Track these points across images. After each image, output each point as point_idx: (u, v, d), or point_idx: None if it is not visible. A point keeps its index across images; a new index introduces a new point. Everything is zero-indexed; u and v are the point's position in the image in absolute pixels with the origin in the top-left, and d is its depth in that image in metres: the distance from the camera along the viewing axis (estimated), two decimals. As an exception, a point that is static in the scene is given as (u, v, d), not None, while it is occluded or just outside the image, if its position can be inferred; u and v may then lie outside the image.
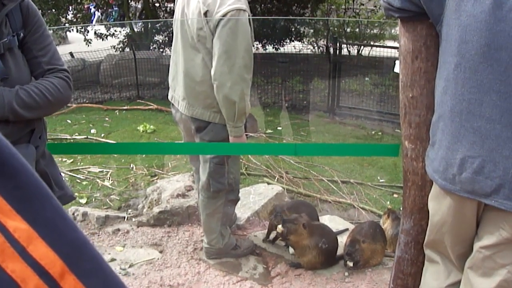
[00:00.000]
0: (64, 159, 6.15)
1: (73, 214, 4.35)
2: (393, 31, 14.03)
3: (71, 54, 11.83)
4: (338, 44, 9.55)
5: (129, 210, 4.58)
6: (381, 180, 5.56)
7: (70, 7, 13.08)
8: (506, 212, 1.72)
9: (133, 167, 5.73)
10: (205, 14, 2.85)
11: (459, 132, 1.77)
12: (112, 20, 16.51)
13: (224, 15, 2.78)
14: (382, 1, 2.04)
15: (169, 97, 3.38)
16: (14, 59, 1.89)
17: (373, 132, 7.79)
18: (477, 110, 1.71)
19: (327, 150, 3.47)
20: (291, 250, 3.56)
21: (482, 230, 1.86)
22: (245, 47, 2.86)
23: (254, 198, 4.51)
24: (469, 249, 1.95)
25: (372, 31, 13.73)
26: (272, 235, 3.77)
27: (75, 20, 13.57)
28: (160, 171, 5.55)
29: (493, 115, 1.68)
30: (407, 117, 2.12)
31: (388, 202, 4.88)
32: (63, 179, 2.19)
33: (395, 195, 5.12)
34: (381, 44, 12.27)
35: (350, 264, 3.29)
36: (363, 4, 14.89)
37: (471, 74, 1.70)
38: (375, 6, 15.07)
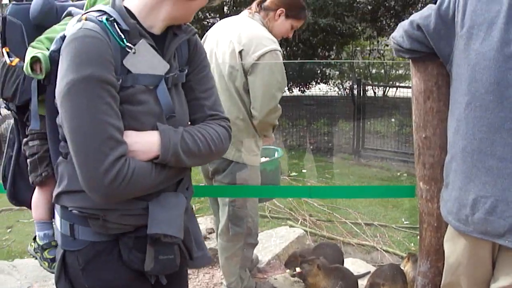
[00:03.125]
0: None
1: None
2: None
3: None
4: (363, 86, 9.58)
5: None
6: (405, 222, 5.51)
7: None
8: None
9: None
10: (240, 53, 3.05)
11: (471, 172, 1.76)
12: None
13: (263, 55, 3.00)
14: (392, 43, 2.06)
15: None
16: (178, 96, 1.80)
17: (398, 174, 7.74)
18: (488, 149, 1.70)
19: (341, 192, 3.46)
20: (310, 293, 3.52)
21: (498, 271, 1.82)
22: (282, 83, 3.11)
23: (275, 241, 4.49)
24: None
25: (397, 72, 13.75)
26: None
27: None
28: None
29: (504, 153, 1.66)
30: (421, 158, 2.11)
31: (412, 244, 4.84)
32: (202, 237, 2.06)
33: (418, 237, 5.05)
34: (407, 85, 12.29)
35: (370, 307, 3.23)
36: (387, 45, 14.98)
37: (481, 112, 1.70)
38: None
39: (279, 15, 3.19)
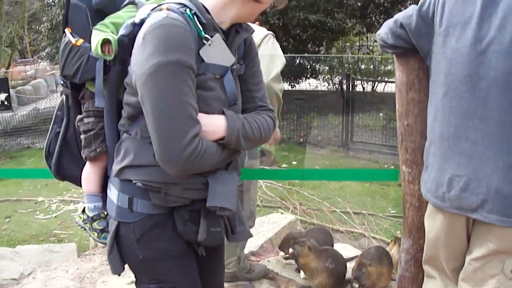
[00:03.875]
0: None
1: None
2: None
3: None
4: (352, 81, 9.76)
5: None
6: (392, 211, 5.72)
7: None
8: (491, 225, 1.91)
9: None
10: None
11: (447, 154, 1.97)
12: None
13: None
14: (378, 39, 2.28)
15: None
16: (237, 86, 1.94)
17: (385, 166, 7.94)
18: (462, 134, 1.92)
19: (332, 175, 3.65)
20: (302, 274, 3.72)
21: (472, 244, 2.04)
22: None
23: (267, 226, 4.68)
24: (462, 263, 2.12)
25: (386, 68, 13.93)
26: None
27: None
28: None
29: (476, 138, 1.88)
30: (404, 144, 2.32)
31: (398, 232, 5.03)
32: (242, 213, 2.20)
33: (405, 225, 5.26)
34: (395, 80, 12.45)
35: (357, 286, 3.43)
36: (376, 41, 15.17)
37: (456, 102, 1.92)
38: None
39: None
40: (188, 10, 1.76)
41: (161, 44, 1.66)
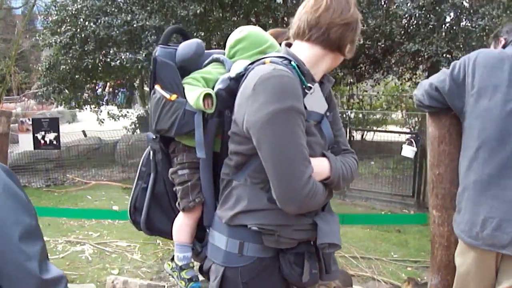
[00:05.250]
0: (90, 233, 6.56)
1: (113, 282, 4.65)
2: (394, 115, 14.61)
3: (83, 132, 12.13)
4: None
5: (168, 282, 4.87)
6: (394, 255, 5.96)
7: (86, 87, 13.32)
8: None
9: (159, 243, 6.08)
10: None
11: (481, 199, 2.31)
12: (120, 101, 16.46)
13: None
14: (415, 99, 2.64)
15: None
16: None
17: (382, 213, 8.21)
18: (495, 181, 2.27)
19: (368, 219, 3.88)
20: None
21: (501, 276, 2.36)
22: None
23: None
24: None
25: (374, 117, 14.23)
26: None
27: (89, 99, 13.84)
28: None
29: (507, 185, 2.25)
30: (434, 190, 2.63)
31: (403, 275, 5.25)
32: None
33: (408, 268, 5.53)
34: (384, 129, 12.80)
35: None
36: (366, 91, 15.55)
37: (489, 154, 2.29)
38: (378, 92, 15.73)
39: None
40: (292, 62, 1.90)
41: (275, 93, 1.78)
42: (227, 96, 2.04)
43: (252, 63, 2.01)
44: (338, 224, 2.06)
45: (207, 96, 2.05)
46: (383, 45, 11.12)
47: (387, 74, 13.41)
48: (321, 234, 1.94)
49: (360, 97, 15.29)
